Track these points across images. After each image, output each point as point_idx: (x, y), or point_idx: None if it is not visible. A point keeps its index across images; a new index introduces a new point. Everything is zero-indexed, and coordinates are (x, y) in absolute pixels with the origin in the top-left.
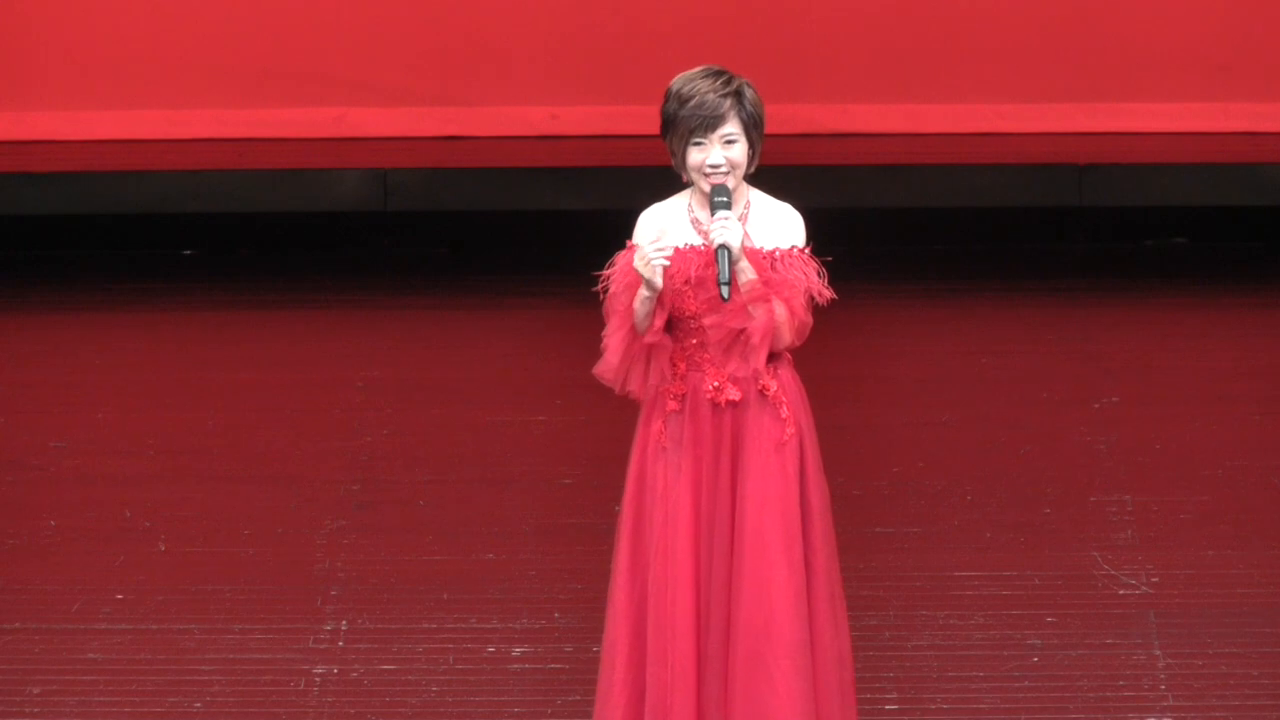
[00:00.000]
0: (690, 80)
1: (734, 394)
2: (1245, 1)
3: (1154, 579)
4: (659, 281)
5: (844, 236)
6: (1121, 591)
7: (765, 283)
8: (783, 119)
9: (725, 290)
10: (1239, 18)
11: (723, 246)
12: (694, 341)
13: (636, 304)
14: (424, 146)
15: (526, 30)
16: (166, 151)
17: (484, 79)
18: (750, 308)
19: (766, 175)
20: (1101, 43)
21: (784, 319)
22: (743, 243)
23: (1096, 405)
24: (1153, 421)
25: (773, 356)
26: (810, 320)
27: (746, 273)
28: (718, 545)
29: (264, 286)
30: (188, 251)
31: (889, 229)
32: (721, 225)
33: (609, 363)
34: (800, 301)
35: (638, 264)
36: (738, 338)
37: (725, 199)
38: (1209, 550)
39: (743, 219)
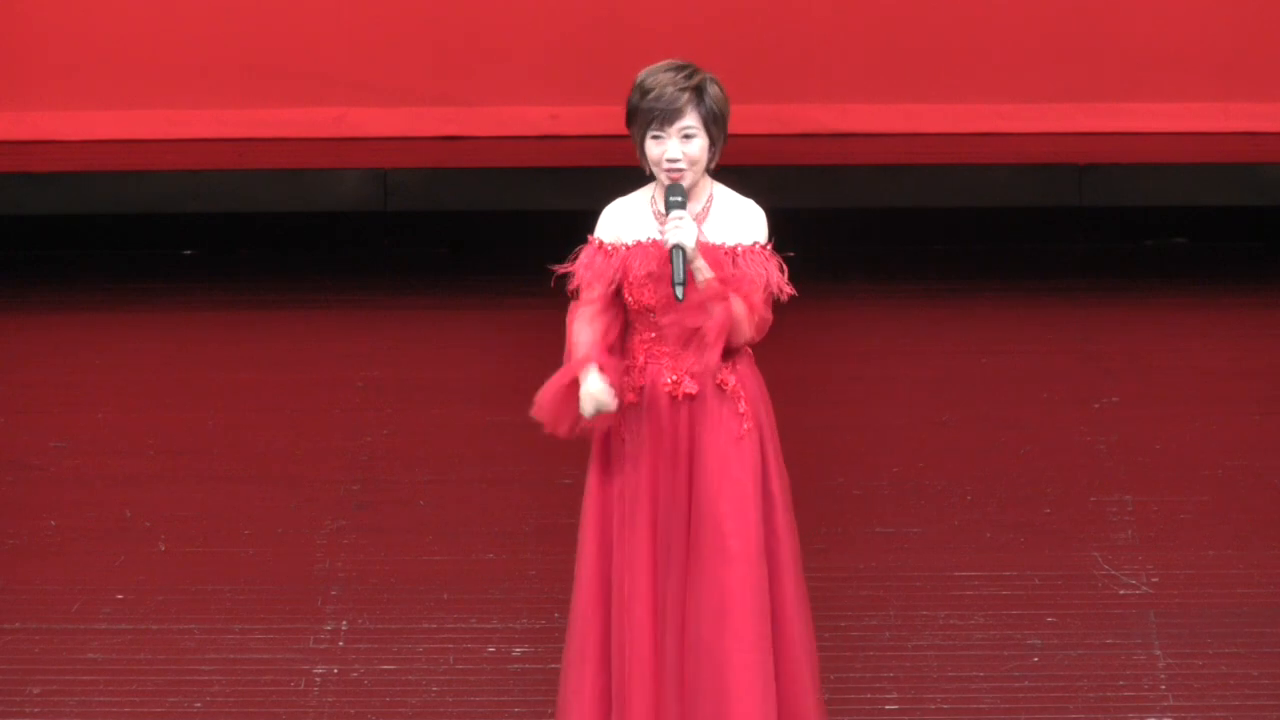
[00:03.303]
0: (654, 73)
1: (691, 387)
2: (1246, 2)
3: (1154, 579)
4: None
5: (844, 236)
6: (1122, 591)
7: (723, 280)
8: (783, 119)
9: (680, 290)
10: (1239, 18)
11: (677, 246)
12: (652, 335)
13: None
14: (424, 146)
15: (526, 30)
16: (166, 151)
17: (484, 79)
18: (708, 305)
19: (767, 175)
20: (1101, 43)
21: (743, 315)
22: (698, 240)
23: (1097, 405)
24: (1153, 421)
25: (732, 352)
26: (770, 316)
27: (704, 271)
28: (675, 538)
29: (264, 286)
30: (188, 251)
31: (889, 229)
32: (675, 225)
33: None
34: (759, 297)
35: (584, 408)
36: (694, 335)
37: (680, 198)
38: (1209, 550)
39: (704, 214)
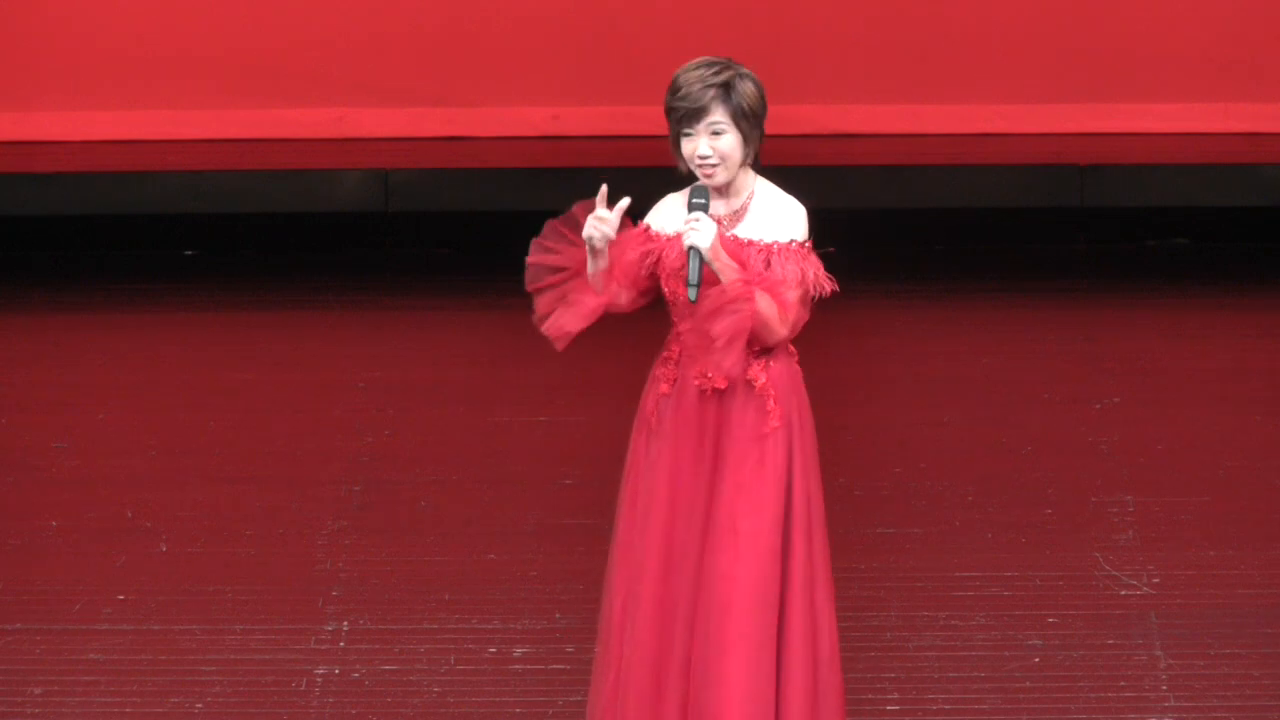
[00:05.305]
0: (686, 70)
1: (720, 382)
2: (1246, 2)
3: (1155, 580)
4: (599, 247)
5: (845, 237)
6: (1123, 592)
7: (746, 281)
8: (783, 120)
9: (694, 292)
10: (1240, 18)
11: (692, 248)
12: (687, 326)
13: (591, 271)
14: (425, 147)
15: (528, 30)
16: (168, 152)
17: (485, 79)
18: (726, 308)
19: (767, 176)
20: (1102, 43)
21: (772, 314)
22: (727, 238)
23: (1098, 406)
24: (1154, 422)
25: (766, 349)
26: (805, 315)
27: (727, 271)
28: (693, 532)
29: (265, 287)
30: (189, 252)
31: (890, 229)
32: (692, 226)
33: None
34: (791, 295)
35: (586, 230)
36: (708, 339)
37: (702, 200)
38: (1210, 551)
39: (743, 210)
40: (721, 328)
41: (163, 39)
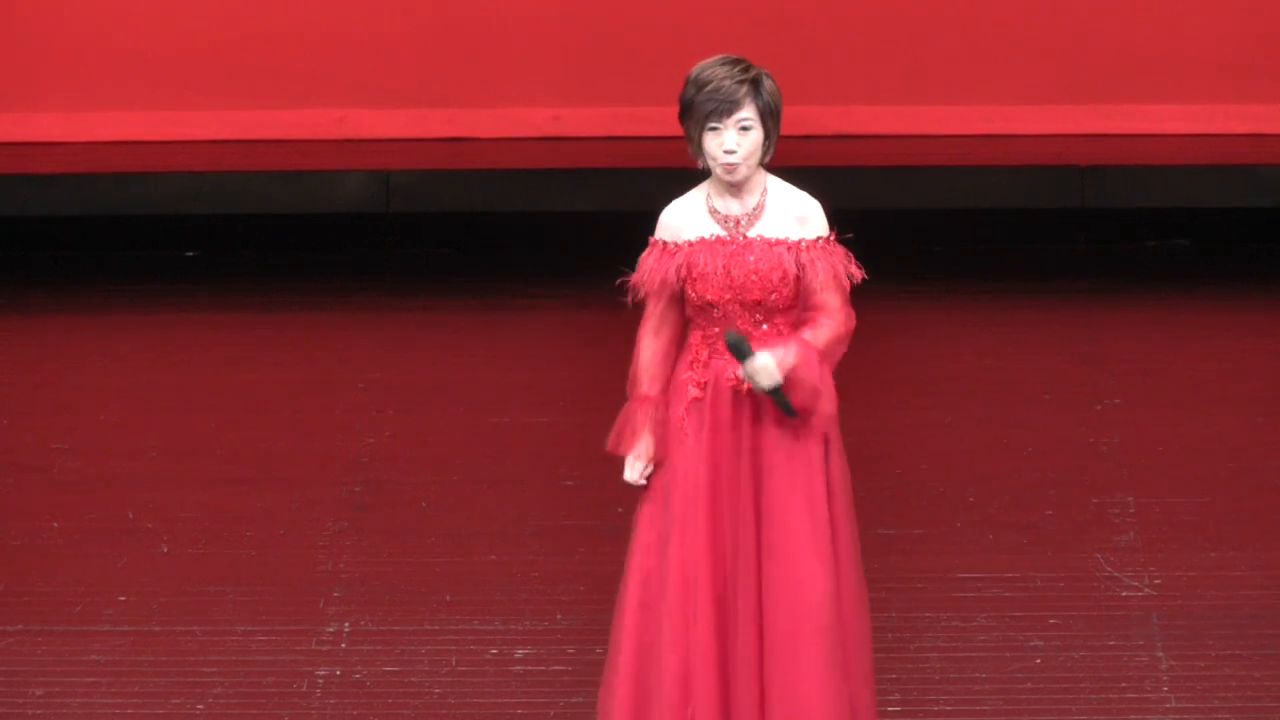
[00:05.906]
0: (708, 67)
1: None
2: (1246, 3)
3: (1156, 581)
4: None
5: (845, 238)
6: (1124, 593)
7: (803, 352)
8: (784, 120)
9: (792, 412)
10: (1241, 19)
11: (770, 390)
12: (716, 330)
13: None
14: (426, 148)
15: (529, 31)
16: (169, 153)
17: (486, 80)
18: (817, 386)
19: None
20: (1103, 44)
21: (833, 341)
22: (776, 366)
23: (1099, 406)
24: (1155, 423)
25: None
26: (854, 314)
27: (786, 361)
28: (742, 532)
29: (266, 288)
30: (190, 253)
31: (890, 231)
32: (753, 374)
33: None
34: (834, 301)
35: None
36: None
37: (739, 343)
38: (1211, 552)
39: (760, 209)
40: (825, 404)
41: (163, 39)
